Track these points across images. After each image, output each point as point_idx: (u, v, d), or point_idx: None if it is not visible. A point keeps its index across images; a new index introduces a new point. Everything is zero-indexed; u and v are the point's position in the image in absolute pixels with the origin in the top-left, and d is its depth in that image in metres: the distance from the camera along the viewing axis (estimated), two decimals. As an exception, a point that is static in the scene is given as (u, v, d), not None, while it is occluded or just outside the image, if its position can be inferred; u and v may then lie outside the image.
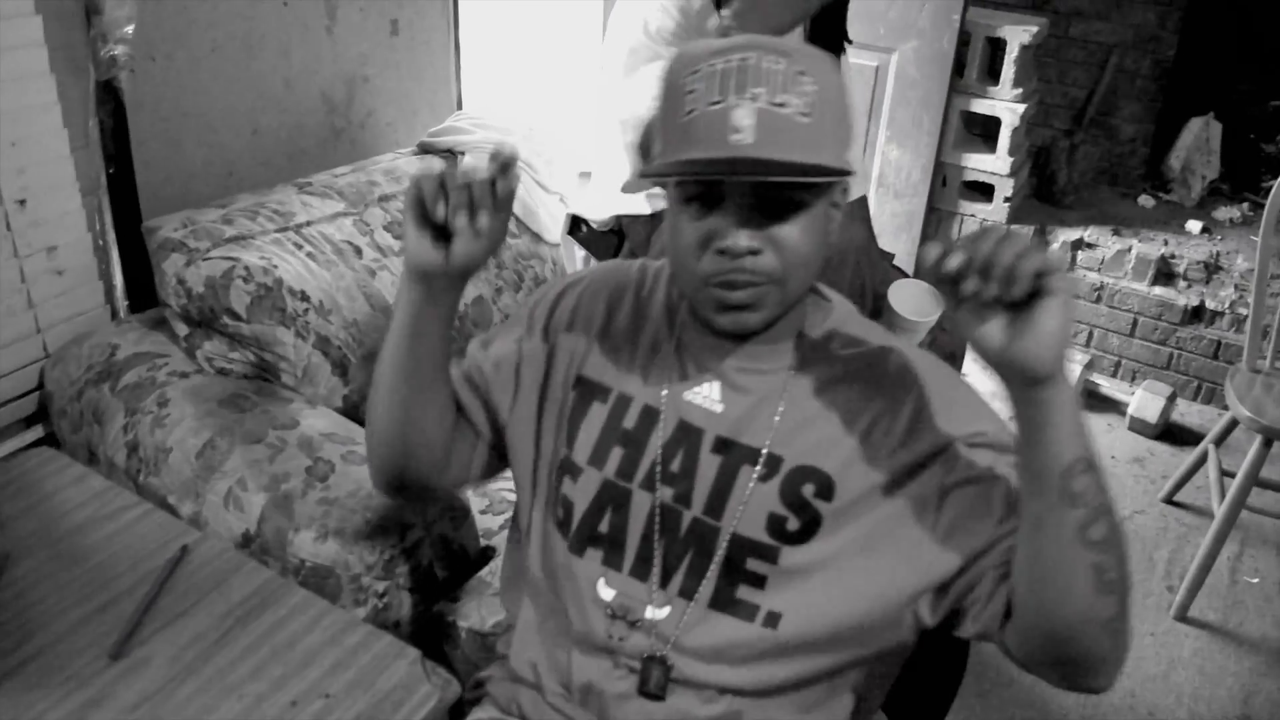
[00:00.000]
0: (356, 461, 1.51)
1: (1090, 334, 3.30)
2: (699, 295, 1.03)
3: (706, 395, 1.10)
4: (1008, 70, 3.18)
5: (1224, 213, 3.40)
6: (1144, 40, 3.48)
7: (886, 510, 1.03)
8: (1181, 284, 3.17)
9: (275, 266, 1.74)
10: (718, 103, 0.95)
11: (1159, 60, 3.49)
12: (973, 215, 3.35)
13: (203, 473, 1.51)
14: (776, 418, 1.07)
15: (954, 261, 0.82)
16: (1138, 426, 3.05)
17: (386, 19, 2.43)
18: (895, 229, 3.38)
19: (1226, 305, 3.08)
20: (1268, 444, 2.31)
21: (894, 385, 1.07)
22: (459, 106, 2.69)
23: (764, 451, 1.06)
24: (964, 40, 3.17)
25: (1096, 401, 3.16)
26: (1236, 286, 3.09)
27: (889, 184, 3.32)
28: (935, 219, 3.39)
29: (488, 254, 1.04)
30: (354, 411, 1.79)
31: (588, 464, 1.12)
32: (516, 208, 2.18)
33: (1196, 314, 3.13)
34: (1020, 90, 3.20)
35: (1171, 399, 3.03)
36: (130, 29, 1.84)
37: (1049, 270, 0.81)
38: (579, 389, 1.15)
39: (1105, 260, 3.22)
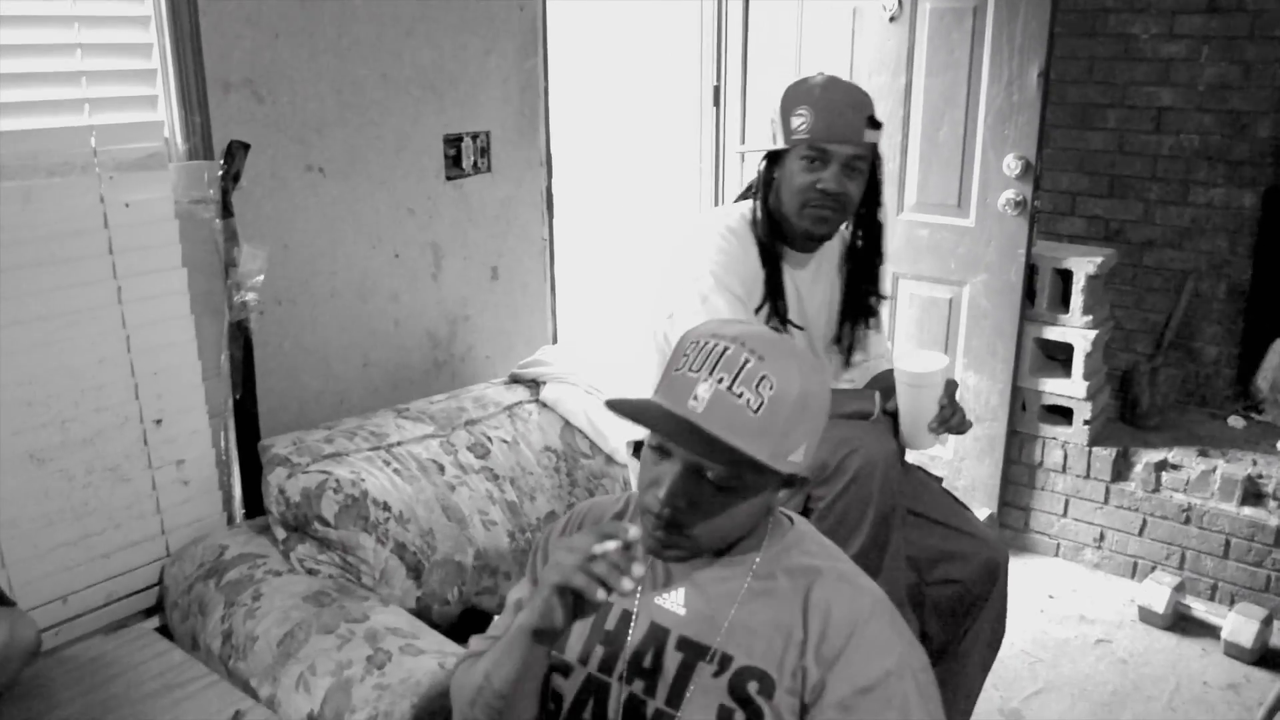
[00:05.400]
0: (412, 654, 1.68)
1: (1183, 556, 3.26)
2: (643, 521, 1.21)
3: (673, 600, 1.29)
4: (1076, 299, 3.32)
5: (1328, 433, 3.38)
6: (1217, 265, 3.60)
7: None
8: (1272, 504, 3.14)
9: (363, 480, 1.99)
10: (694, 372, 1.18)
11: (1235, 284, 3.59)
12: (1054, 438, 3.42)
13: (281, 659, 1.71)
14: (730, 622, 1.25)
15: None
16: (1233, 651, 2.96)
17: (488, 266, 2.77)
18: (978, 453, 3.47)
19: (1322, 526, 3.04)
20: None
21: (812, 609, 1.23)
22: (554, 340, 2.98)
23: (717, 650, 1.24)
24: (1034, 271, 3.34)
25: (1190, 625, 3.10)
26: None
27: (970, 409, 3.43)
28: (1017, 442, 3.47)
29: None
30: (426, 612, 1.99)
31: (577, 661, 1.31)
32: (589, 430, 2.41)
33: (1291, 535, 3.08)
34: (1091, 317, 3.33)
35: (1268, 622, 2.95)
36: (261, 279, 2.20)
37: None
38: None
39: (1190, 481, 3.23)
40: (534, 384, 2.52)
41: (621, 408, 1.20)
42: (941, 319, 3.42)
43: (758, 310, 2.03)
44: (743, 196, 2.13)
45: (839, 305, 2.20)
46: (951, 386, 1.98)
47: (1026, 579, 3.35)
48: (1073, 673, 2.90)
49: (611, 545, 1.14)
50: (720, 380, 1.16)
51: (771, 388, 1.16)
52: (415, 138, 2.53)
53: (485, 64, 2.67)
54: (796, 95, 1.96)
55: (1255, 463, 3.24)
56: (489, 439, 2.29)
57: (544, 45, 2.82)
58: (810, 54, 3.50)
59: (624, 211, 3.82)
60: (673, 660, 1.25)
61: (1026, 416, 3.45)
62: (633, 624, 1.30)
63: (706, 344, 1.19)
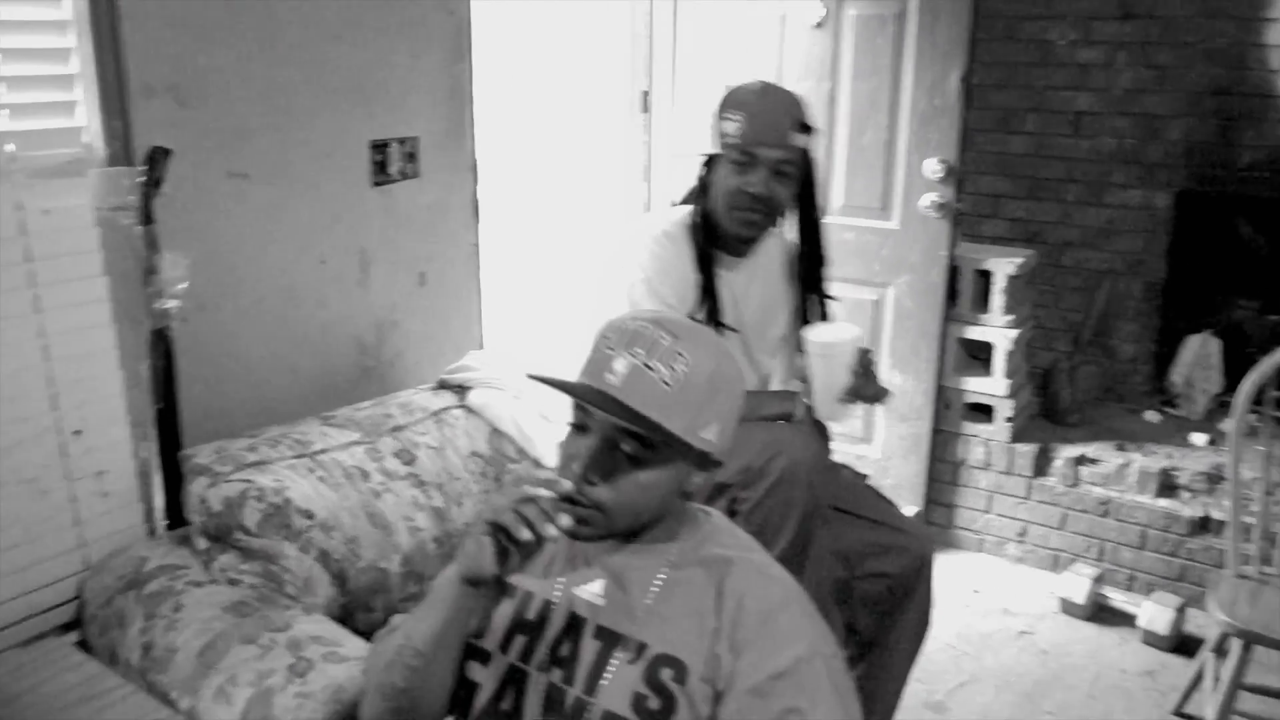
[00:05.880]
0: (335, 661, 1.69)
1: (1102, 548, 3.35)
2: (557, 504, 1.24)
3: (592, 591, 1.32)
4: (996, 299, 3.41)
5: (1230, 424, 3.48)
6: (1133, 265, 3.71)
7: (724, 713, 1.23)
8: (1185, 495, 3.25)
9: (286, 488, 1.99)
10: (612, 350, 1.25)
11: (1150, 283, 3.70)
12: (977, 435, 3.50)
13: (201, 670, 1.70)
14: (645, 611, 1.29)
15: None
16: (1151, 639, 3.06)
17: (415, 272, 2.77)
18: (904, 452, 3.54)
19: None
20: (1248, 648, 2.35)
21: (726, 599, 1.27)
22: (482, 346, 2.99)
23: (632, 639, 1.27)
24: (956, 272, 3.42)
25: (1109, 615, 3.19)
26: (1246, 497, 3.15)
27: (895, 409, 3.51)
28: (941, 440, 3.54)
29: (529, 561, 1.25)
30: (350, 620, 1.99)
31: (497, 649, 1.33)
32: (516, 435, 2.43)
33: (1204, 525, 3.19)
34: (1011, 317, 3.41)
35: (1181, 610, 3.05)
36: (184, 286, 2.18)
37: None
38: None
39: (1108, 475, 3.32)
40: (461, 389, 2.53)
41: (543, 378, 1.27)
42: (867, 320, 3.48)
43: (692, 316, 2.06)
44: (685, 200, 2.17)
45: (788, 310, 2.24)
46: (864, 356, 2.00)
47: (952, 574, 3.43)
48: (996, 664, 2.98)
49: (545, 492, 1.20)
50: (636, 355, 1.24)
51: (685, 365, 1.24)
52: (342, 143, 2.53)
53: (413, 69, 2.67)
54: (730, 100, 2.01)
55: (1170, 456, 3.35)
56: (415, 445, 2.30)
57: (471, 50, 2.83)
58: (739, 60, 3.54)
59: (554, 216, 3.83)
60: (590, 649, 1.29)
61: (950, 415, 3.53)
62: (552, 614, 1.33)
63: (626, 325, 1.27)
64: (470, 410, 2.47)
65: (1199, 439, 3.45)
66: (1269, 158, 3.47)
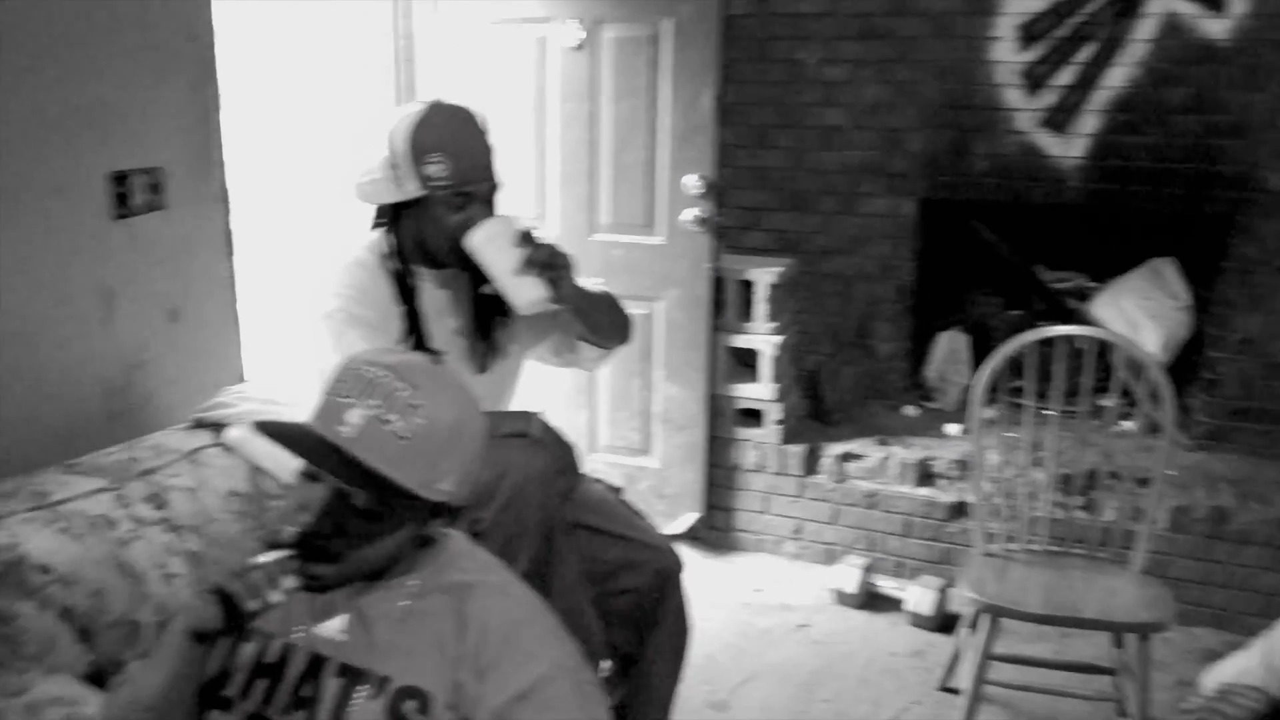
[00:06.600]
0: (76, 721, 1.60)
1: (870, 538, 3.54)
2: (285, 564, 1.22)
3: (335, 628, 1.30)
4: (759, 307, 3.55)
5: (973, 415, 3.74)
6: (885, 269, 3.93)
7: None
8: (942, 483, 3.47)
9: (20, 544, 1.86)
10: (346, 398, 1.21)
11: (901, 285, 3.94)
12: (749, 440, 3.63)
13: (-78, 748, 1.58)
14: (387, 645, 1.28)
15: None
16: (918, 621, 3.24)
17: (165, 308, 2.65)
18: (681, 460, 3.63)
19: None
20: (995, 621, 2.52)
21: (469, 624, 1.28)
22: (243, 380, 2.89)
23: (374, 674, 1.26)
24: (721, 284, 3.54)
25: (879, 601, 3.37)
26: (990, 481, 3.38)
27: (672, 419, 3.61)
28: (717, 446, 3.66)
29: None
30: (100, 677, 1.88)
31: (238, 698, 1.30)
32: (277, 470, 2.35)
33: (959, 509, 3.41)
34: (775, 324, 3.56)
35: (944, 591, 3.25)
36: (-104, 336, 2.02)
37: None
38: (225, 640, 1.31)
39: (873, 469, 3.51)
40: (218, 427, 2.44)
41: (271, 431, 1.22)
42: (640, 334, 3.54)
43: (401, 340, 2.05)
44: (376, 224, 2.14)
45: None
46: (522, 229, 1.99)
47: (734, 575, 3.54)
48: (776, 659, 3.09)
49: (270, 557, 1.18)
50: (371, 407, 1.20)
51: (423, 417, 1.20)
52: (76, 175, 2.40)
53: (154, 97, 2.57)
54: (425, 144, 1.96)
55: (928, 447, 3.57)
56: (168, 488, 2.19)
57: (217, 76, 2.74)
58: (502, 84, 3.56)
59: (319, 247, 3.75)
60: (332, 687, 1.27)
61: (723, 421, 3.65)
62: (293, 655, 1.31)
63: (362, 371, 1.23)
64: (228, 448, 2.38)
65: (953, 429, 3.69)
66: (999, 166, 3.75)
